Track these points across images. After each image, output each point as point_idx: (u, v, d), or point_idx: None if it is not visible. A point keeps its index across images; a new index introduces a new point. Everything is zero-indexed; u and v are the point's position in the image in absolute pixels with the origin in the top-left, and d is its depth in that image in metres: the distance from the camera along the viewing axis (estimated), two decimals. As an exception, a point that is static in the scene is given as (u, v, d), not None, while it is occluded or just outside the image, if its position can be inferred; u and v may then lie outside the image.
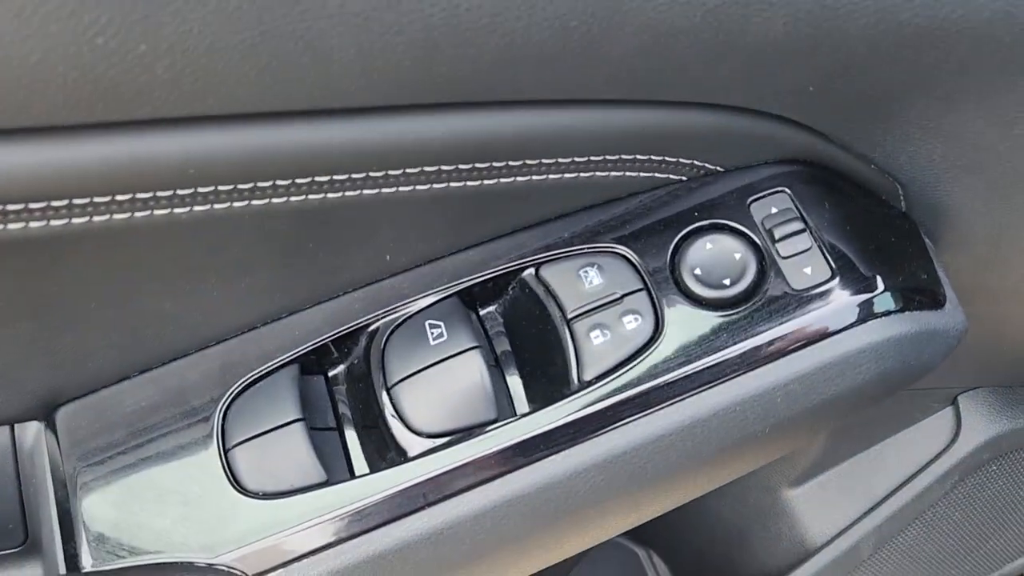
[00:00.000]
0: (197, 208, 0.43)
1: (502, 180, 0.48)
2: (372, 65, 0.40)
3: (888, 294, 0.51)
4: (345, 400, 0.53)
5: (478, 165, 0.47)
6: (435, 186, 0.47)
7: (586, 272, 0.51)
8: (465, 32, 0.40)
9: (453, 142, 0.45)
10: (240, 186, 0.43)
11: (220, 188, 0.43)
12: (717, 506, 0.93)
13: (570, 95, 0.45)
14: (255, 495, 0.48)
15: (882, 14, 0.44)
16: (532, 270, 0.52)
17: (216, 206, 0.44)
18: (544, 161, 0.49)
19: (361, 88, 0.41)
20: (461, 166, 0.47)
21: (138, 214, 0.42)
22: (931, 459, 0.83)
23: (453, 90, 0.43)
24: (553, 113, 0.46)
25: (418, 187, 0.47)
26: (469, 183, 0.48)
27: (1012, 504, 0.91)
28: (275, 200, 0.45)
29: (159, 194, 0.42)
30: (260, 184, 0.44)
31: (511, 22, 0.40)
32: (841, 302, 0.50)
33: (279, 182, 0.44)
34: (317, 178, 0.44)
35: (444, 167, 0.46)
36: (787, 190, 0.53)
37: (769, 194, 0.53)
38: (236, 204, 0.44)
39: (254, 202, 0.44)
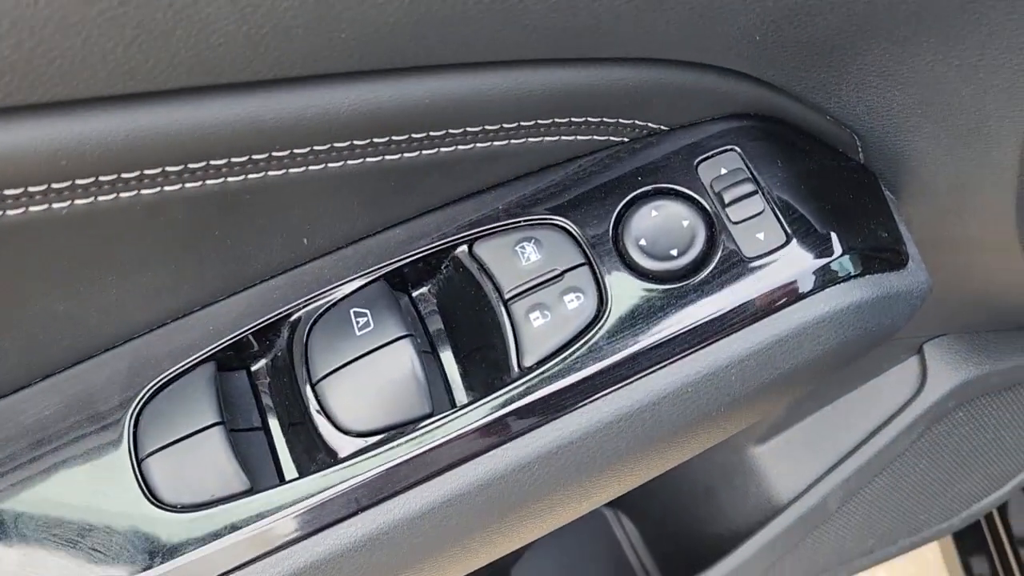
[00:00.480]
0: (79, 202, 0.39)
1: (424, 152, 0.44)
2: (258, 33, 0.35)
3: (847, 257, 0.47)
4: (270, 396, 0.49)
5: (395, 138, 0.43)
6: (349, 163, 0.43)
7: (523, 248, 0.47)
8: None
9: (362, 115, 0.40)
10: (124, 175, 0.39)
11: (102, 179, 0.38)
12: (683, 466, 0.91)
13: (490, 57, 0.41)
14: (173, 508, 0.44)
15: None
16: (465, 247, 0.48)
17: (100, 198, 0.39)
18: (469, 129, 0.44)
19: (248, 60, 0.36)
20: (376, 140, 0.42)
21: (10, 212, 0.38)
22: (897, 410, 0.81)
23: (356, 57, 0.38)
24: (473, 77, 0.42)
25: (330, 165, 0.42)
26: (388, 157, 0.44)
27: (978, 449, 0.90)
28: (168, 188, 0.40)
29: (31, 189, 0.37)
30: (147, 172, 0.39)
31: None
32: (797, 269, 0.46)
33: (168, 169, 0.39)
34: (212, 162, 0.40)
35: (356, 142, 0.42)
36: (737, 148, 0.49)
37: (717, 153, 0.49)
38: (123, 195, 0.39)
39: (143, 192, 0.40)
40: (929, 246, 0.59)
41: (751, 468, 0.87)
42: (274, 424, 0.48)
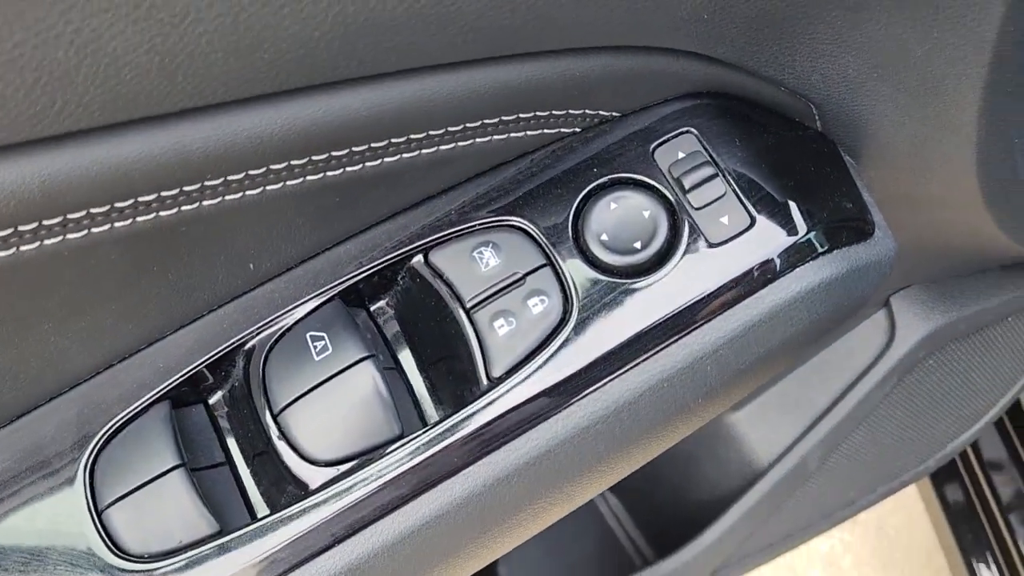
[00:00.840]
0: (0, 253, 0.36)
1: (367, 165, 0.42)
2: (173, 63, 0.33)
3: (814, 234, 0.46)
4: (231, 429, 0.47)
5: (335, 153, 0.40)
6: (289, 183, 0.40)
7: (481, 253, 0.45)
8: (282, 9, 0.33)
9: (296, 134, 0.38)
10: (46, 222, 0.36)
11: (21, 228, 0.36)
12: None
13: (426, 62, 0.38)
14: (140, 558, 0.42)
15: None
16: (420, 257, 0.46)
17: (22, 248, 0.36)
18: (413, 137, 0.42)
19: (166, 91, 0.33)
20: (315, 157, 0.40)
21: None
22: (869, 364, 0.81)
23: (282, 76, 0.35)
24: (411, 83, 0.39)
25: (268, 188, 0.40)
26: (329, 174, 0.41)
27: (950, 393, 0.91)
28: (96, 230, 0.37)
29: (-55, 247, 0.35)
30: (71, 216, 0.36)
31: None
32: (764, 252, 0.45)
33: (94, 210, 0.37)
34: (140, 198, 0.37)
35: (294, 162, 0.39)
36: (693, 130, 0.47)
37: (674, 136, 0.47)
38: (47, 242, 0.37)
39: (69, 236, 0.37)
40: (892, 205, 0.58)
41: (730, 435, 0.86)
42: (238, 457, 0.46)
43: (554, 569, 1.02)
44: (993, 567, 1.42)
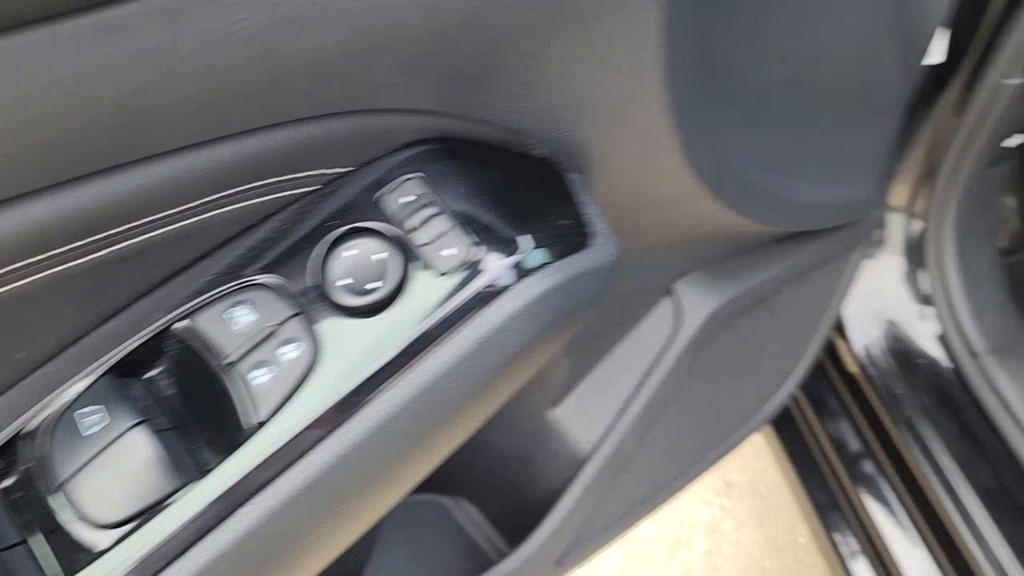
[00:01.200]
0: None
1: (111, 250, 0.46)
2: None
3: (532, 252, 0.52)
4: (25, 509, 0.50)
5: (73, 245, 0.44)
6: (36, 277, 0.44)
7: (238, 312, 0.50)
8: None
9: (28, 234, 0.42)
10: None
11: None
12: (495, 441, 0.97)
13: (142, 154, 0.43)
14: None
15: (431, 8, 0.44)
16: (184, 323, 0.50)
17: None
18: (153, 218, 0.46)
19: None
20: (53, 252, 0.44)
21: None
22: (663, 348, 0.89)
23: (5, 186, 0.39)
24: (134, 173, 0.44)
25: (14, 285, 0.44)
26: (76, 262, 0.45)
27: (750, 360, 1.00)
28: None
29: None
30: None
31: (58, 103, 0.37)
32: (487, 275, 0.51)
33: None
34: None
35: (31, 260, 0.43)
36: (420, 173, 0.53)
37: (401, 183, 0.53)
38: None
39: None
40: (632, 209, 0.65)
41: (554, 428, 0.93)
42: (36, 535, 0.49)
43: (417, 581, 1.07)
44: (838, 514, 1.52)
